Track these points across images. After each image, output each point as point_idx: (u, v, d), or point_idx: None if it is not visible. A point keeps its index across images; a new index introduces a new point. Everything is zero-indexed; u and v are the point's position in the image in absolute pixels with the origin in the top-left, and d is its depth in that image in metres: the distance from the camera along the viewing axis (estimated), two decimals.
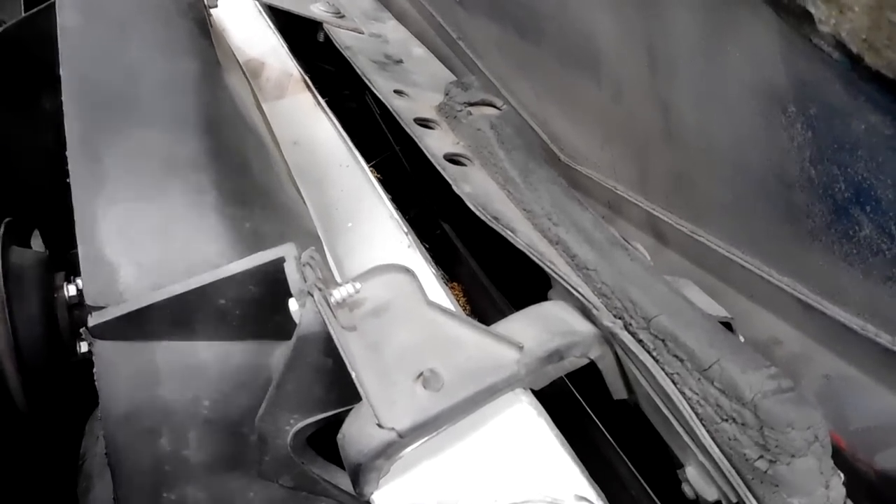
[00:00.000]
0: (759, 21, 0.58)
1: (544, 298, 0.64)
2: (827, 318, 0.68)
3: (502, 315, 0.57)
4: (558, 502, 0.49)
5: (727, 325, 0.68)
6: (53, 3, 0.84)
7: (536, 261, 0.62)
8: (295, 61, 1.08)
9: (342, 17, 0.94)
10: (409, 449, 0.52)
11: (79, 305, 0.99)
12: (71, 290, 0.90)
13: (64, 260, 0.93)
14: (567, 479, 0.50)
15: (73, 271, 0.90)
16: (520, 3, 0.91)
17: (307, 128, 1.03)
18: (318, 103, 1.02)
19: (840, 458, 0.64)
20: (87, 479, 0.79)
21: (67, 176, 0.71)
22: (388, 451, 0.51)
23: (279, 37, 1.09)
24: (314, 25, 0.97)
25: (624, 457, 0.62)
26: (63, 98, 0.73)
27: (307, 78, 1.05)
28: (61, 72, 0.74)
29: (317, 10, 0.93)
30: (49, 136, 0.94)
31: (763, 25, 0.58)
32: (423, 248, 0.70)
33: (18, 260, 0.92)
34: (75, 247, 0.68)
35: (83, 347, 0.97)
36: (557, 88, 0.91)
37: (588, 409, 0.65)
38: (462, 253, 0.86)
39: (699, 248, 0.79)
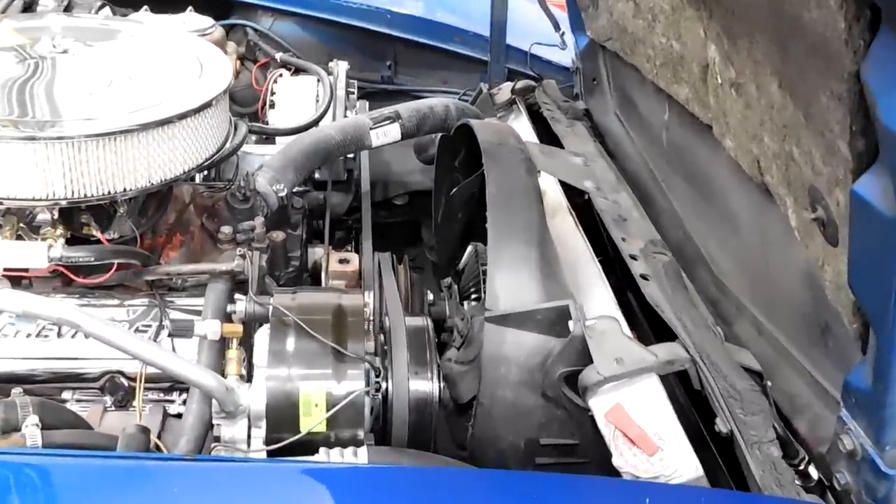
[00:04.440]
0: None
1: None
2: (813, 378, 1.45)
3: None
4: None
5: (759, 374, 1.47)
6: None
7: (674, 329, 1.46)
8: (565, 198, 1.98)
9: (599, 189, 1.83)
10: (608, 385, 1.37)
11: (431, 304, 1.96)
12: (429, 297, 1.86)
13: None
14: (663, 407, 1.33)
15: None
16: (697, 172, 1.76)
17: (569, 237, 1.91)
18: (576, 224, 1.91)
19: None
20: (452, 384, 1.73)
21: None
22: (599, 384, 1.36)
23: (558, 184, 2.00)
24: None
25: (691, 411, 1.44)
26: (488, 197, 1.64)
27: (570, 208, 1.94)
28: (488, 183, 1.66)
29: (587, 185, 1.84)
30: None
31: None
32: (618, 306, 1.56)
33: (412, 279, 1.89)
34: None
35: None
36: (711, 227, 1.76)
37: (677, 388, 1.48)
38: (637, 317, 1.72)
39: (766, 334, 1.58)
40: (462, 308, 1.97)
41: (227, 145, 1.84)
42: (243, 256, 1.49)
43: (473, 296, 1.94)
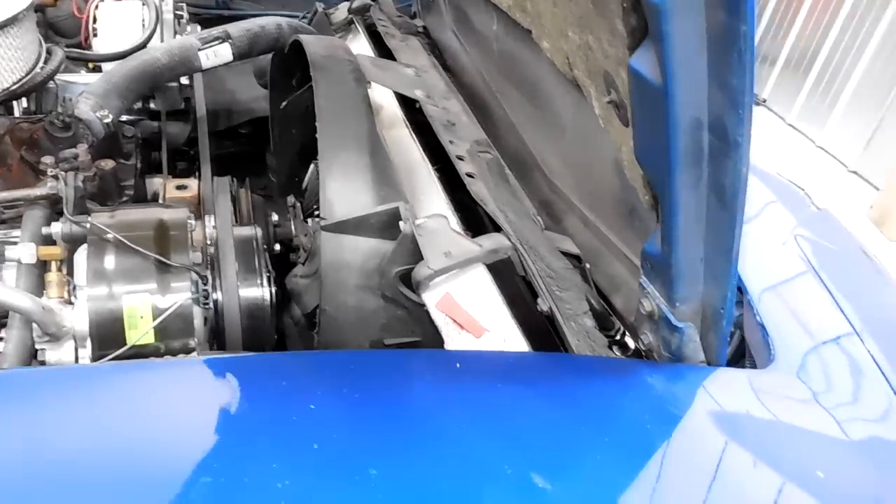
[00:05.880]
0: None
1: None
2: (627, 258, 1.57)
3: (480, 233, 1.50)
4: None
5: (577, 258, 1.59)
6: None
7: (497, 220, 1.54)
8: (401, 110, 2.01)
9: (430, 97, 1.87)
10: (438, 278, 1.44)
11: (276, 226, 1.96)
12: (274, 218, 1.87)
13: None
14: (490, 293, 1.41)
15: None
16: (525, 79, 1.84)
17: (405, 148, 1.95)
18: (411, 134, 1.95)
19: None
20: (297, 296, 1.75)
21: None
22: (430, 277, 1.43)
23: (395, 97, 2.02)
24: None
25: (523, 292, 1.54)
26: (317, 108, 1.65)
27: (406, 119, 1.98)
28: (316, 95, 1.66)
29: (417, 93, 1.87)
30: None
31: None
32: (452, 206, 1.63)
33: (254, 202, 1.88)
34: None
35: (277, 247, 1.94)
36: (542, 130, 1.84)
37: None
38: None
39: (590, 225, 1.69)
40: (306, 225, 1.98)
41: (39, 70, 1.73)
42: (56, 178, 1.43)
43: (317, 213, 1.96)
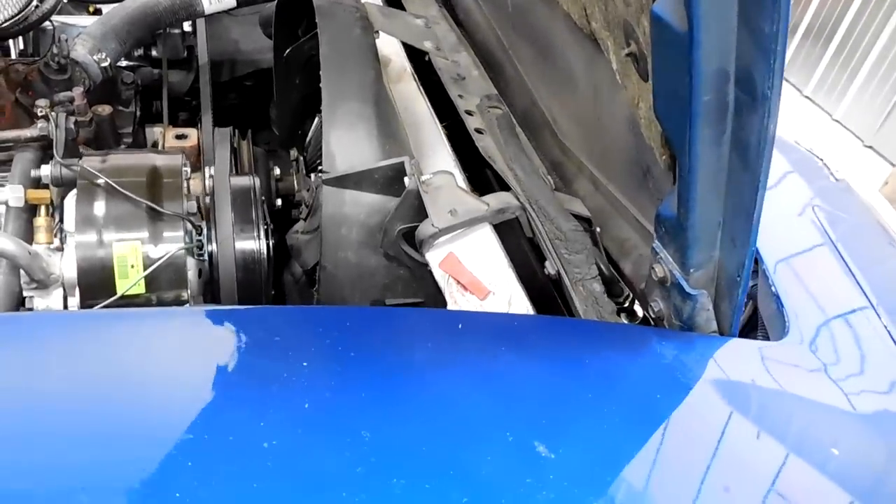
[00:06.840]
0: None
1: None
2: (639, 223, 1.52)
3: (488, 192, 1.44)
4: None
5: (588, 220, 1.53)
6: None
7: (505, 178, 1.48)
8: (409, 64, 1.94)
9: (439, 50, 1.79)
10: (443, 237, 1.38)
11: (279, 180, 1.91)
12: (276, 171, 1.81)
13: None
14: (495, 254, 1.36)
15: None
16: (539, 35, 1.77)
17: (411, 102, 1.89)
18: (419, 87, 1.88)
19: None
20: (297, 252, 1.70)
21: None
22: (435, 236, 1.37)
23: (403, 50, 1.95)
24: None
25: (529, 254, 1.49)
26: (321, 56, 1.58)
27: (414, 73, 1.91)
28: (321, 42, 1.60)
29: (426, 45, 1.80)
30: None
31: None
32: (459, 164, 1.57)
33: (256, 154, 1.83)
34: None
35: (279, 202, 1.89)
36: (554, 89, 1.77)
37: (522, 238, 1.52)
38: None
39: (601, 187, 1.63)
40: (309, 180, 1.92)
41: (34, 9, 1.66)
42: (47, 118, 1.37)
43: (320, 167, 1.90)
